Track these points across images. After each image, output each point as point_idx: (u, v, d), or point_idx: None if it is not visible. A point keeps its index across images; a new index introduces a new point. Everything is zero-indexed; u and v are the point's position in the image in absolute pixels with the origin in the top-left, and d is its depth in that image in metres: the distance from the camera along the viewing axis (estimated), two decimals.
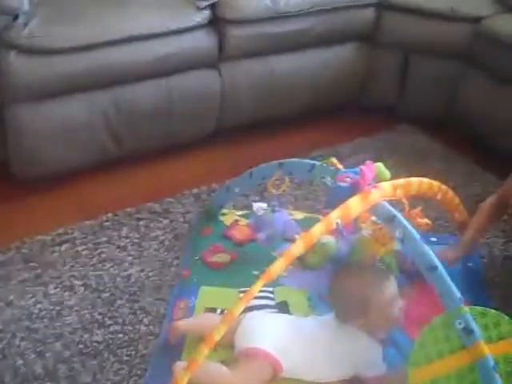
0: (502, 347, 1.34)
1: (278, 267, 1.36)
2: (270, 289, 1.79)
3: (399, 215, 1.43)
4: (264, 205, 2.10)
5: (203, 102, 2.37)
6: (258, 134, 2.51)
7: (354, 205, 1.43)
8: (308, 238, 1.39)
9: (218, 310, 1.71)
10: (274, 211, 1.86)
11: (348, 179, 1.50)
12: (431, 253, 1.39)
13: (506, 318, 1.36)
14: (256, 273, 1.84)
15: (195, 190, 2.20)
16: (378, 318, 1.51)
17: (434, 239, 1.94)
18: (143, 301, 1.74)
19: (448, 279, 1.35)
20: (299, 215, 2.10)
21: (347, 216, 1.43)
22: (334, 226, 1.42)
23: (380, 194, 1.47)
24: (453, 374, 1.35)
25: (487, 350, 1.30)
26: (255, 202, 2.00)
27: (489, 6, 2.59)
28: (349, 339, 1.52)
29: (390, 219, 1.43)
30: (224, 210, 2.10)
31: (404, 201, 1.56)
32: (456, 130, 2.67)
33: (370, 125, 2.70)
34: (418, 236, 1.41)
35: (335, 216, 1.41)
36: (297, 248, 1.38)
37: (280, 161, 1.77)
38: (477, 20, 2.54)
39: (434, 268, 1.36)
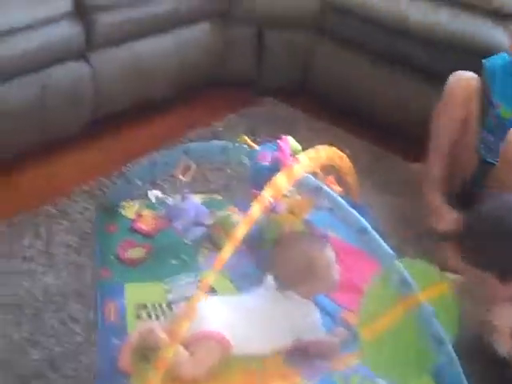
0: (430, 293, 1.49)
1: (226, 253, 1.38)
2: (191, 276, 1.81)
3: (324, 185, 1.52)
4: (159, 193, 2.11)
5: (76, 94, 2.30)
6: (135, 120, 2.49)
7: (282, 181, 1.48)
8: (249, 219, 1.41)
9: (149, 305, 1.70)
10: (184, 198, 1.87)
11: (269, 157, 1.55)
12: (360, 216, 1.50)
13: (430, 265, 1.51)
14: (174, 262, 1.87)
15: (85, 187, 2.14)
16: (320, 283, 1.60)
17: None
18: (69, 309, 1.68)
19: (379, 239, 1.46)
20: (197, 198, 2.13)
21: (278, 193, 1.48)
22: (268, 205, 1.47)
23: (301, 167, 1.54)
24: (395, 326, 1.48)
25: (423, 298, 1.44)
26: (150, 190, 2.00)
27: None
28: (291, 307, 1.59)
29: (317, 190, 1.52)
30: (123, 203, 2.06)
31: (318, 170, 1.65)
32: (314, 98, 2.83)
33: (237, 100, 2.79)
34: (345, 203, 1.52)
35: (267, 194, 1.45)
36: (242, 231, 1.40)
37: (184, 145, 1.77)
38: None
39: (364, 230, 1.47)
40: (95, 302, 1.71)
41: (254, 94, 2.82)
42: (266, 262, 1.85)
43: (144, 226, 1.98)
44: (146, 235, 1.95)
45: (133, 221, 2.00)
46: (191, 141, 2.46)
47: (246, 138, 1.62)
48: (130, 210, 2.06)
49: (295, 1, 2.69)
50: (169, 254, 1.88)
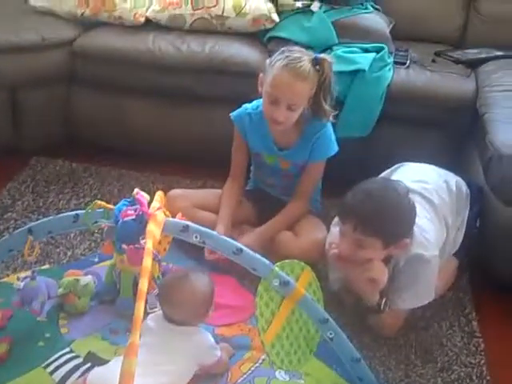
0: (303, 282, 1.73)
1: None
2: (65, 350, 1.80)
3: (190, 223, 1.65)
4: None
5: None
6: None
7: (155, 230, 1.57)
8: (145, 271, 1.45)
9: None
10: (34, 278, 1.82)
11: (131, 212, 1.62)
12: (230, 240, 1.67)
13: (295, 261, 1.74)
14: (41, 344, 1.82)
15: None
16: (204, 309, 1.73)
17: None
18: None
19: (254, 254, 1.64)
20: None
21: (155, 242, 1.57)
22: (154, 255, 1.56)
23: (162, 214, 1.65)
24: (285, 324, 1.69)
25: (303, 290, 1.67)
26: None
27: (74, 27, 2.78)
28: (188, 338, 1.69)
29: (185, 229, 1.64)
30: None
31: (168, 213, 1.76)
32: (83, 148, 2.84)
33: (5, 169, 2.69)
34: (213, 232, 1.67)
35: (149, 245, 1.53)
36: (143, 283, 1.44)
37: (28, 226, 1.73)
38: (69, 43, 2.73)
39: (239, 250, 1.63)
40: None
41: (20, 157, 2.74)
42: (127, 307, 1.92)
43: None
44: None
45: None
46: None
47: (100, 202, 1.66)
48: None
49: (42, 57, 2.67)
50: (31, 339, 1.83)
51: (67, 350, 1.79)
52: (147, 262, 1.46)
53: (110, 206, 1.67)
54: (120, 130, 2.80)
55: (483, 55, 2.72)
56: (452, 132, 2.53)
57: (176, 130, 2.74)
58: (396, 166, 2.20)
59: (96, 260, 2.20)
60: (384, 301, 1.91)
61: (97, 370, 1.66)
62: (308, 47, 2.58)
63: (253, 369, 1.80)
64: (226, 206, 2.27)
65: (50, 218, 1.77)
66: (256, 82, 2.18)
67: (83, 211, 1.68)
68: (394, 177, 2.10)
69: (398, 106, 2.49)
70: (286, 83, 2.06)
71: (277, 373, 1.78)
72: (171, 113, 2.73)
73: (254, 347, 1.87)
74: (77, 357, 1.77)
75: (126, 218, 1.62)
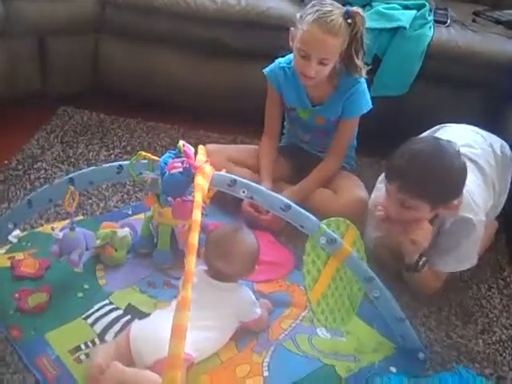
0: (348, 240, 1.71)
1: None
2: (105, 302, 1.79)
3: (238, 177, 1.62)
4: (18, 232, 1.98)
5: None
6: None
7: (203, 182, 1.54)
8: (195, 224, 1.42)
9: (82, 346, 1.64)
10: (73, 229, 1.79)
11: (178, 164, 1.59)
12: (279, 196, 1.64)
13: (340, 219, 1.72)
14: (80, 295, 1.81)
15: None
16: (249, 266, 1.73)
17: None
18: None
19: (303, 211, 1.62)
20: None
21: (204, 194, 1.54)
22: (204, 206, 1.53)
23: (210, 167, 1.62)
24: (331, 282, 1.67)
25: (349, 248, 1.65)
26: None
27: None
28: (231, 295, 1.69)
29: (232, 183, 1.61)
30: None
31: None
32: (110, 98, 2.79)
33: (34, 117, 2.64)
34: (261, 187, 1.64)
35: (199, 198, 1.50)
36: (194, 236, 1.41)
37: (69, 176, 1.70)
38: None
39: (287, 206, 1.61)
40: (23, 365, 1.59)
41: (47, 107, 2.69)
42: (165, 260, 1.91)
43: (28, 269, 1.86)
44: (34, 277, 1.84)
45: (12, 268, 1.87)
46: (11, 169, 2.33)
47: (144, 153, 1.62)
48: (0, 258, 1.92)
49: (71, 5, 2.60)
50: (70, 289, 1.82)
51: (106, 301, 1.78)
52: (197, 214, 1.43)
53: (155, 158, 1.64)
54: (150, 82, 2.74)
55: None
56: (492, 94, 2.48)
57: (207, 85, 2.69)
58: (436, 127, 2.15)
59: (130, 212, 2.18)
60: (423, 260, 1.88)
61: (139, 323, 1.65)
62: (346, 2, 2.53)
63: (294, 325, 1.79)
64: (267, 163, 2.25)
65: (93, 168, 1.73)
66: None
67: (127, 162, 1.65)
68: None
69: (438, 65, 2.44)
70: (316, 39, 2.00)
71: (318, 330, 1.77)
72: (203, 66, 2.67)
73: (293, 304, 1.86)
74: (117, 309, 1.76)
75: (172, 171, 1.59)
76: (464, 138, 2.04)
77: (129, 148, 2.54)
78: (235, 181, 1.60)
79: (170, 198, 1.69)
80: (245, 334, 1.72)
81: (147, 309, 1.75)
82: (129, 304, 1.78)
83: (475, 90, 2.50)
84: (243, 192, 1.61)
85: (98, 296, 1.80)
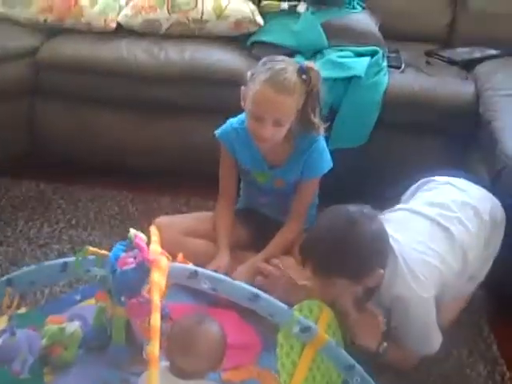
0: (322, 324, 1.56)
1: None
2: None
3: (198, 268, 1.46)
4: None
5: None
6: None
7: (160, 279, 1.37)
8: (155, 332, 1.26)
9: None
10: (14, 333, 1.59)
11: (131, 260, 1.42)
12: (245, 285, 1.48)
13: (313, 301, 1.57)
14: None
15: None
16: (214, 360, 1.56)
17: None
18: None
19: (272, 300, 1.46)
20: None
21: (162, 290, 1.37)
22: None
23: (165, 259, 1.45)
24: (308, 374, 1.52)
25: (325, 335, 1.50)
26: None
27: (36, 35, 2.53)
28: None
29: (193, 275, 1.44)
30: None
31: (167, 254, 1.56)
32: (49, 165, 2.60)
33: None
34: (225, 277, 1.48)
35: (157, 300, 1.32)
36: (154, 348, 1.25)
37: (7, 277, 1.50)
38: (31, 52, 2.47)
39: (255, 296, 1.45)
40: None
41: None
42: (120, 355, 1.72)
43: None
44: None
45: None
46: None
47: (92, 248, 1.44)
48: None
49: (3, 69, 2.40)
50: None
51: None
52: (156, 319, 1.26)
53: (104, 253, 1.46)
54: (91, 146, 2.57)
55: (477, 55, 2.58)
56: (453, 137, 2.39)
57: (153, 145, 2.53)
58: (422, 181, 2.00)
59: (78, 298, 1.97)
60: (383, 347, 1.74)
61: None
62: (296, 52, 2.42)
63: None
64: (224, 231, 2.08)
65: (33, 267, 1.53)
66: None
67: (72, 259, 1.47)
68: (418, 195, 1.94)
69: (396, 112, 2.33)
70: (270, 99, 1.85)
71: None
72: (148, 126, 2.51)
73: None
74: None
75: (124, 267, 1.42)
76: (441, 196, 1.89)
77: (74, 221, 2.35)
78: (196, 272, 1.44)
79: (123, 298, 1.51)
80: None
81: None
82: None
83: (436, 134, 2.40)
84: (205, 284, 1.44)
85: None
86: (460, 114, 2.34)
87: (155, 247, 1.48)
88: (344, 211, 1.72)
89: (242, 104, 1.96)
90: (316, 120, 1.96)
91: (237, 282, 1.48)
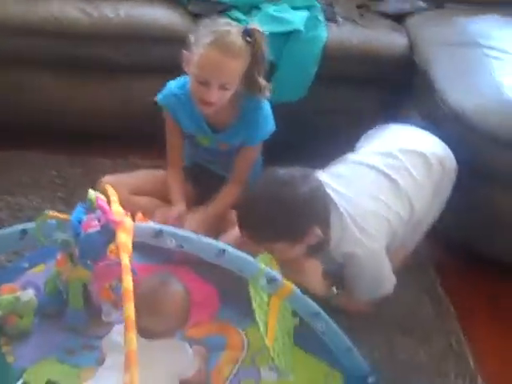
0: None
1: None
2: (19, 383, 1.54)
3: (164, 226, 1.45)
4: None
5: None
6: None
7: (126, 239, 1.35)
8: (128, 294, 1.24)
9: None
10: None
11: (95, 222, 1.39)
12: (212, 241, 1.48)
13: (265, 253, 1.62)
14: None
15: None
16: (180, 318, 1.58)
17: None
18: None
19: (239, 254, 1.48)
20: None
21: (129, 251, 1.35)
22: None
23: (130, 219, 1.43)
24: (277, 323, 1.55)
25: (291, 284, 1.53)
26: None
27: None
28: (166, 352, 1.52)
29: (158, 234, 1.43)
30: None
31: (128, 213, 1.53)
32: None
33: None
34: (192, 234, 1.48)
35: (126, 261, 1.31)
36: (129, 310, 1.23)
37: None
38: None
39: (222, 252, 1.46)
40: None
41: None
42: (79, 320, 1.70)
43: None
44: None
45: None
46: None
47: (52, 212, 1.40)
48: None
49: None
50: None
51: (20, 382, 1.55)
52: (128, 282, 1.25)
53: (64, 216, 1.42)
54: (23, 109, 2.45)
55: (407, 6, 2.63)
56: (389, 88, 2.44)
57: (91, 105, 2.45)
58: (374, 129, 2.04)
59: (26, 265, 1.90)
60: (334, 292, 1.82)
61: None
62: (233, 7, 2.39)
63: (234, 371, 1.65)
64: (178, 186, 2.06)
65: None
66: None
67: (31, 224, 1.42)
68: (365, 144, 1.98)
69: (335, 65, 2.35)
70: (215, 63, 1.83)
71: (262, 371, 1.65)
72: (84, 86, 2.42)
73: (229, 346, 1.72)
74: None
75: (89, 230, 1.39)
76: (389, 145, 1.93)
77: (5, 187, 2.25)
78: (161, 231, 1.43)
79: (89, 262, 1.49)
80: None
81: (71, 382, 1.54)
82: (48, 381, 1.55)
83: (372, 86, 2.45)
84: (171, 241, 1.44)
85: (8, 377, 1.56)
86: (396, 64, 2.40)
87: (117, 208, 1.46)
88: (273, 176, 1.76)
89: (185, 68, 1.92)
90: (262, 82, 1.94)
91: (203, 238, 1.49)
